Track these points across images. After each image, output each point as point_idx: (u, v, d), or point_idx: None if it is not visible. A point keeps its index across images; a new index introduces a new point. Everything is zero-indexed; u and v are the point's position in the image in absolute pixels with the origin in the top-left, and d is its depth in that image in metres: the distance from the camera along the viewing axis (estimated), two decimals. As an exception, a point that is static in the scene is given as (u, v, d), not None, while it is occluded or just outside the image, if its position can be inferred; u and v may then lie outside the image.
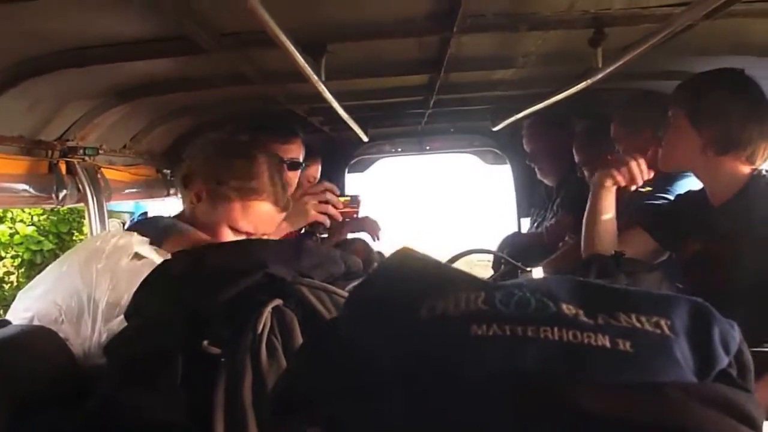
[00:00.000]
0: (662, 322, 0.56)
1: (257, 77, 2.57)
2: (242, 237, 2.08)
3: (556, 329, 0.55)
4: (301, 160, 2.97)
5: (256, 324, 1.31)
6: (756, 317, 1.96)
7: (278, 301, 1.36)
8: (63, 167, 2.66)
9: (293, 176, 2.90)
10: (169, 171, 3.66)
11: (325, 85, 2.27)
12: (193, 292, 1.38)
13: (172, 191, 3.79)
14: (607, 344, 0.54)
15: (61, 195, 2.62)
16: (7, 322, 1.83)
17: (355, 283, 1.46)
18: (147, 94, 2.68)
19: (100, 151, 2.86)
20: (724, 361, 0.57)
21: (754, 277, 1.96)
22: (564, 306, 0.57)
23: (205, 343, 1.31)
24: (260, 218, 2.11)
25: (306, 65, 1.99)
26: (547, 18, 2.10)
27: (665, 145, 2.25)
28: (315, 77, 2.12)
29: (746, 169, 2.09)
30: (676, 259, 2.33)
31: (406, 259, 0.68)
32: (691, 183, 2.50)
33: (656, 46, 2.01)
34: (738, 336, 0.61)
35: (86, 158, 2.74)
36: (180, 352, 1.32)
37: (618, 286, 0.63)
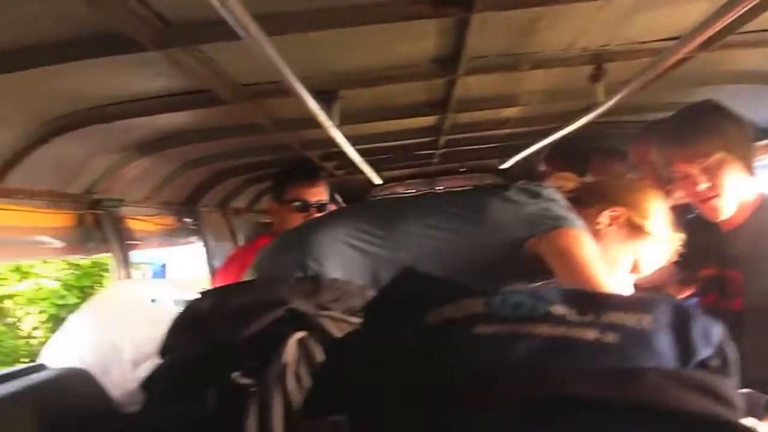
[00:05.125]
0: (645, 318, 0.64)
1: (272, 126, 2.67)
2: None
3: (546, 326, 0.63)
4: (326, 201, 3.06)
5: (282, 355, 1.38)
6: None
7: (302, 333, 1.43)
8: (90, 219, 2.76)
9: None
10: (189, 219, 3.75)
11: (339, 129, 2.36)
12: (222, 328, 1.46)
13: (192, 239, 3.88)
14: (594, 337, 0.62)
15: (89, 246, 2.71)
16: (44, 366, 1.90)
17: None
18: (167, 146, 2.79)
19: (124, 203, 2.96)
20: (704, 351, 0.64)
21: None
22: (555, 307, 0.65)
23: (236, 374, 1.38)
24: None
25: (320, 111, 2.09)
26: (548, 56, 2.19)
27: (724, 193, 2.04)
28: (329, 122, 2.21)
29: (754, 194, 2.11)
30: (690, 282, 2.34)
31: (412, 274, 0.77)
32: None
33: (656, 79, 2.07)
34: (721, 332, 0.67)
35: (111, 209, 2.85)
36: (212, 384, 1.39)
37: (606, 292, 0.71)
